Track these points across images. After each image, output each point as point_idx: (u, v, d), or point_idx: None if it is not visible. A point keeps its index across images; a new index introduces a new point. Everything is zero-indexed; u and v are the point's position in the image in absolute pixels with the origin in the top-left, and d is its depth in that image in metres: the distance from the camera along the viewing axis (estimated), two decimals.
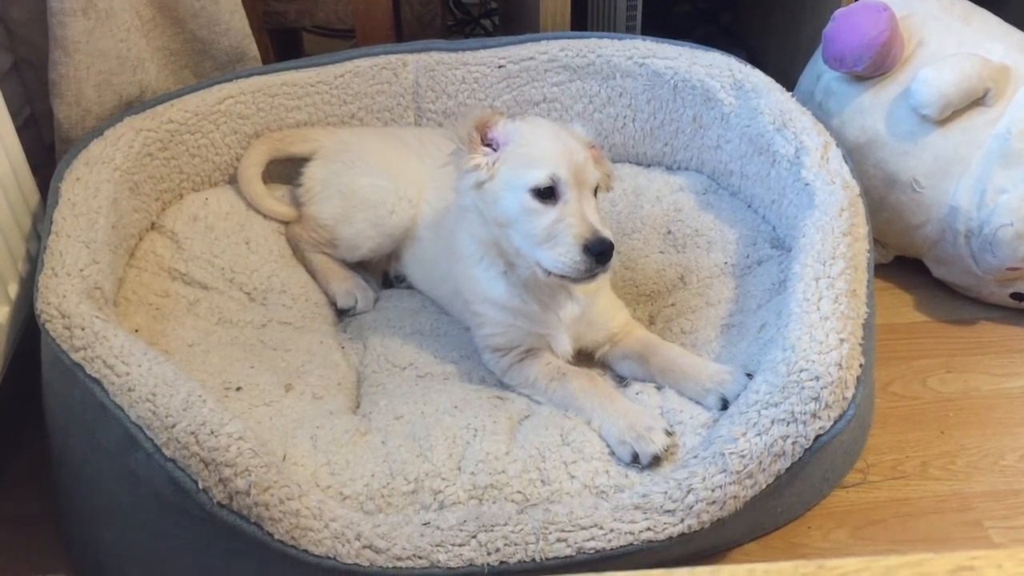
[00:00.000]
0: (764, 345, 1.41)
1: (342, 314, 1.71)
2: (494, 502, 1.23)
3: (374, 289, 1.75)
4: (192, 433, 1.13)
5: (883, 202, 1.83)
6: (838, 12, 1.81)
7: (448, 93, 1.90)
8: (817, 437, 1.23)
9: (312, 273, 1.73)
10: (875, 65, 1.78)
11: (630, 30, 2.20)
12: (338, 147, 1.77)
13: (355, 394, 1.50)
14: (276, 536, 1.12)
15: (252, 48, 1.91)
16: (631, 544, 1.17)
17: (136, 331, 1.45)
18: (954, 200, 1.74)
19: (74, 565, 1.37)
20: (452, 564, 1.14)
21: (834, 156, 1.57)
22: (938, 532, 1.41)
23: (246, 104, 1.80)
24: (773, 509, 1.32)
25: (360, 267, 1.77)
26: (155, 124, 1.67)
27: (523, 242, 1.37)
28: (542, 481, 1.25)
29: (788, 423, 1.23)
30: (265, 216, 1.77)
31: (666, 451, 1.28)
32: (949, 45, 1.78)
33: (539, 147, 1.37)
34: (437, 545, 1.15)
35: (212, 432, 1.14)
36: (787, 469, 1.23)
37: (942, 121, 1.74)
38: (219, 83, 1.79)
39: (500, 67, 1.88)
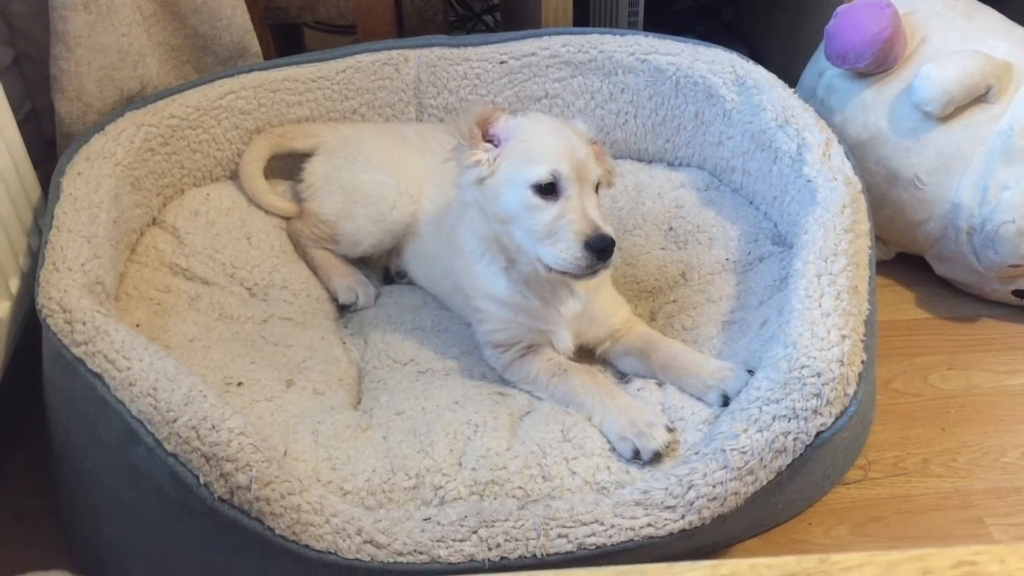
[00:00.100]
0: (765, 341, 1.41)
1: (343, 310, 1.70)
2: (495, 498, 1.22)
3: (375, 285, 1.75)
4: (193, 428, 1.13)
5: (885, 199, 1.83)
6: (840, 8, 1.81)
7: (450, 89, 1.90)
8: (818, 433, 1.23)
9: (313, 269, 1.73)
10: (877, 62, 1.78)
11: (632, 26, 2.20)
12: (339, 143, 1.77)
13: (356, 390, 1.50)
14: (277, 531, 1.12)
15: (253, 43, 1.90)
16: (632, 540, 1.17)
17: (137, 326, 1.45)
18: (956, 197, 1.74)
19: (75, 560, 1.37)
20: (453, 559, 1.14)
21: (836, 153, 1.57)
22: (939, 529, 1.41)
23: (247, 99, 1.79)
24: (774, 505, 1.32)
25: (361, 263, 1.77)
26: (156, 119, 1.67)
27: (524, 238, 1.36)
28: (543, 477, 1.25)
29: (789, 419, 1.22)
30: (266, 212, 1.77)
31: (667, 447, 1.28)
32: (952, 42, 1.78)
33: (540, 143, 1.37)
34: (438, 541, 1.15)
35: (213, 427, 1.14)
36: (788, 465, 1.23)
37: (944, 118, 1.74)
38: (220, 78, 1.79)
39: (502, 63, 1.88)
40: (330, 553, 1.13)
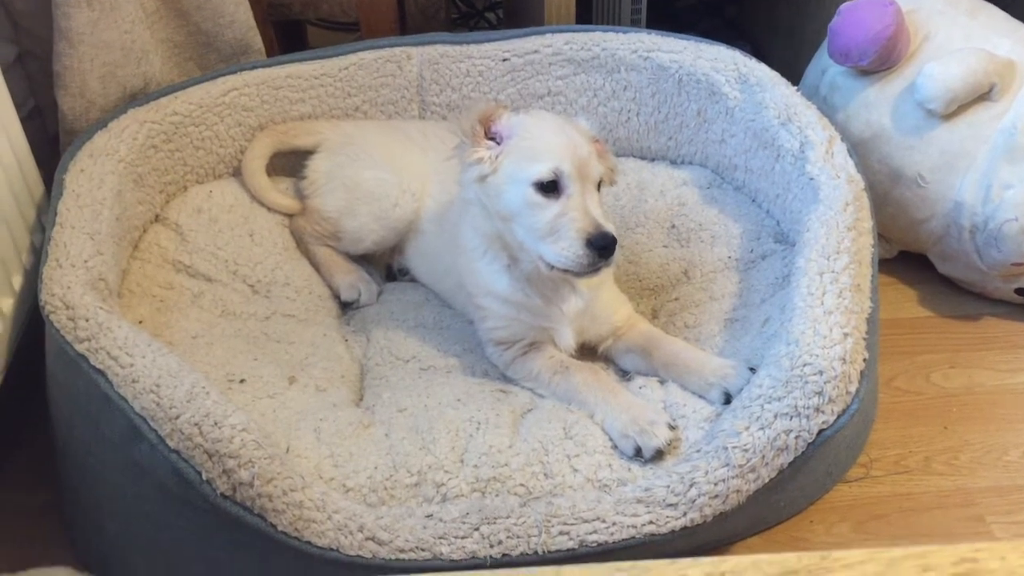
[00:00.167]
0: (768, 339, 1.41)
1: (346, 307, 1.71)
2: (497, 495, 1.23)
3: (377, 282, 1.75)
4: (196, 424, 1.14)
5: (888, 197, 1.82)
6: (844, 6, 1.81)
7: (452, 86, 1.90)
8: (820, 431, 1.23)
9: (316, 266, 1.73)
10: (881, 59, 1.77)
11: (635, 23, 2.20)
12: (342, 140, 1.77)
13: (358, 387, 1.50)
14: (279, 528, 1.13)
15: (256, 40, 1.91)
16: (633, 537, 1.17)
17: (140, 323, 1.45)
18: (959, 195, 1.74)
19: (78, 556, 1.37)
20: (455, 556, 1.15)
21: (839, 150, 1.57)
22: (941, 527, 1.41)
23: (250, 96, 1.79)
24: (776, 503, 1.32)
25: (363, 260, 1.77)
26: (159, 116, 1.67)
27: (526, 236, 1.37)
28: (545, 474, 1.25)
29: (791, 417, 1.22)
30: (269, 209, 1.78)
31: (669, 445, 1.28)
32: (955, 39, 1.77)
33: (542, 141, 1.37)
34: (440, 537, 1.15)
35: (216, 424, 1.14)
36: (790, 463, 1.23)
37: (948, 116, 1.74)
38: (223, 75, 1.79)
39: (504, 60, 1.88)
40: (332, 550, 1.13)
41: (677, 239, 1.75)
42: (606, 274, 1.45)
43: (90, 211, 1.44)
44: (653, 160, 1.93)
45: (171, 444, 1.13)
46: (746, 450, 1.21)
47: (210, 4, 1.81)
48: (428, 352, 1.55)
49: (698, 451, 1.25)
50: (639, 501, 1.19)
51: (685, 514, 1.19)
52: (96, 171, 1.51)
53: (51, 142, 1.74)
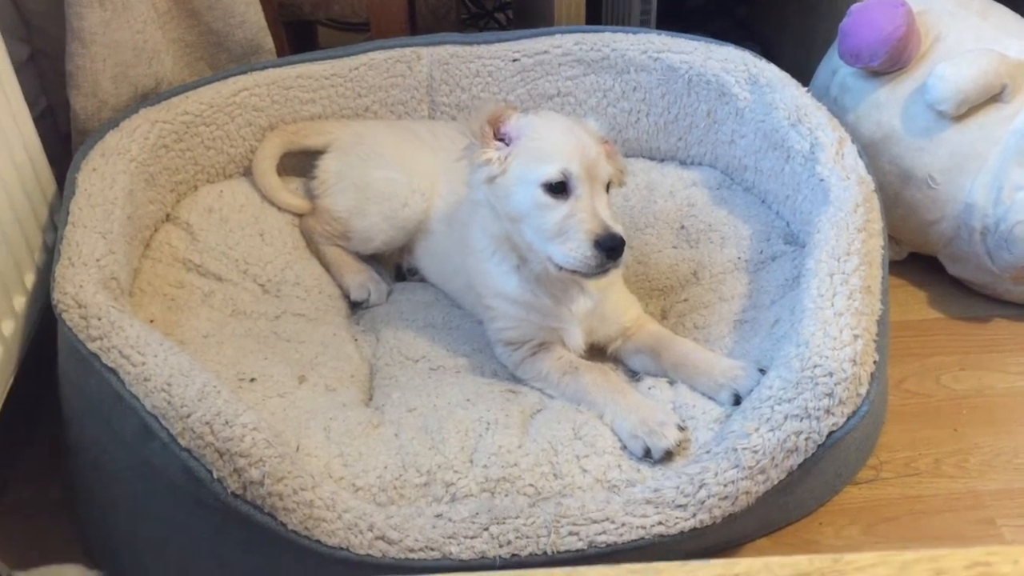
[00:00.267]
0: (777, 341, 1.40)
1: (355, 306, 1.71)
2: (506, 495, 1.23)
3: (387, 282, 1.75)
4: (207, 423, 1.14)
5: (898, 198, 1.82)
6: (854, 7, 1.80)
7: (462, 86, 1.90)
8: (830, 433, 1.23)
9: (326, 265, 1.74)
10: (891, 60, 1.77)
11: (644, 24, 2.19)
12: (352, 140, 1.77)
13: (368, 386, 1.51)
14: (289, 526, 1.13)
15: (267, 40, 1.91)
16: (642, 538, 1.18)
17: (151, 322, 1.46)
18: (970, 197, 1.73)
19: (89, 554, 1.37)
20: (464, 556, 1.15)
21: (849, 152, 1.57)
22: (951, 530, 1.40)
23: (261, 96, 1.80)
24: (785, 505, 1.32)
25: (373, 260, 1.78)
26: (171, 116, 1.68)
27: (534, 237, 1.37)
28: (554, 475, 1.25)
29: (801, 419, 1.22)
30: (279, 208, 1.78)
31: (678, 446, 1.28)
32: (966, 41, 1.77)
33: (551, 142, 1.37)
34: (449, 537, 1.16)
35: (227, 422, 1.15)
36: (800, 465, 1.23)
37: (958, 117, 1.73)
38: (234, 75, 1.80)
39: (514, 61, 1.88)
40: (342, 549, 1.14)
41: (686, 240, 1.75)
42: (615, 275, 1.45)
43: (102, 210, 1.45)
44: (662, 161, 1.93)
45: (182, 443, 1.14)
46: (756, 451, 1.21)
47: (221, 4, 1.82)
48: (437, 352, 1.56)
49: (707, 452, 1.25)
50: (648, 502, 1.19)
51: (694, 515, 1.19)
52: (108, 170, 1.52)
53: (63, 141, 1.75)
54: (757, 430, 1.22)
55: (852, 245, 1.39)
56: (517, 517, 1.17)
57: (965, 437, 1.55)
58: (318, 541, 1.13)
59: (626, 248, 1.32)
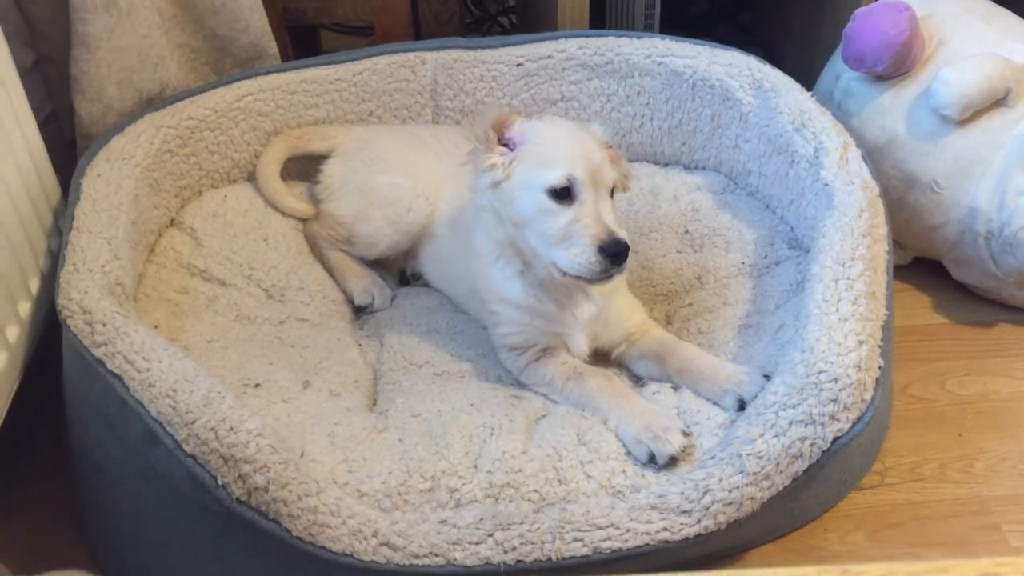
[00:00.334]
0: (782, 346, 1.40)
1: (359, 311, 1.71)
2: (511, 501, 1.23)
3: (391, 287, 1.75)
4: (212, 429, 1.14)
5: (902, 203, 1.82)
6: (858, 11, 1.80)
7: (466, 91, 1.90)
8: (835, 439, 1.23)
9: (330, 270, 1.74)
10: (895, 65, 1.77)
11: (648, 28, 2.20)
12: (356, 145, 1.77)
13: (372, 391, 1.51)
14: (294, 532, 1.13)
15: (271, 45, 1.92)
16: (647, 544, 1.17)
17: (155, 327, 1.46)
18: (974, 201, 1.73)
19: (93, 559, 1.37)
20: (468, 562, 1.15)
21: (853, 156, 1.56)
22: (956, 535, 1.40)
23: (265, 101, 1.80)
24: (790, 511, 1.32)
25: (377, 265, 1.78)
26: (175, 121, 1.68)
27: (539, 242, 1.37)
28: (559, 480, 1.25)
29: (806, 425, 1.22)
30: (283, 213, 1.78)
31: (683, 452, 1.28)
32: (970, 45, 1.77)
33: (556, 147, 1.37)
34: (454, 543, 1.15)
35: (231, 428, 1.14)
36: (804, 471, 1.23)
37: (962, 122, 1.73)
38: (238, 80, 1.80)
39: (518, 65, 1.88)
40: (347, 555, 1.14)
41: (691, 244, 1.75)
42: (619, 280, 1.45)
43: (107, 216, 1.45)
44: (666, 165, 1.93)
45: (187, 449, 1.14)
46: (760, 457, 1.21)
47: (226, 9, 1.82)
48: (442, 357, 1.56)
49: (712, 458, 1.25)
50: (653, 508, 1.19)
51: (699, 521, 1.19)
52: (113, 176, 1.52)
53: (68, 146, 1.75)
54: (762, 436, 1.22)
55: (857, 250, 1.39)
56: (522, 523, 1.17)
57: (970, 442, 1.55)
58: (323, 547, 1.13)
59: (631, 253, 1.32)
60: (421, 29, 2.35)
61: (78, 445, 1.37)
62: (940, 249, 1.85)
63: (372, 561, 1.14)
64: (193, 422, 1.15)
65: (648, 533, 1.17)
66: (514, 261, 1.45)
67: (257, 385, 1.41)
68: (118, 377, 1.21)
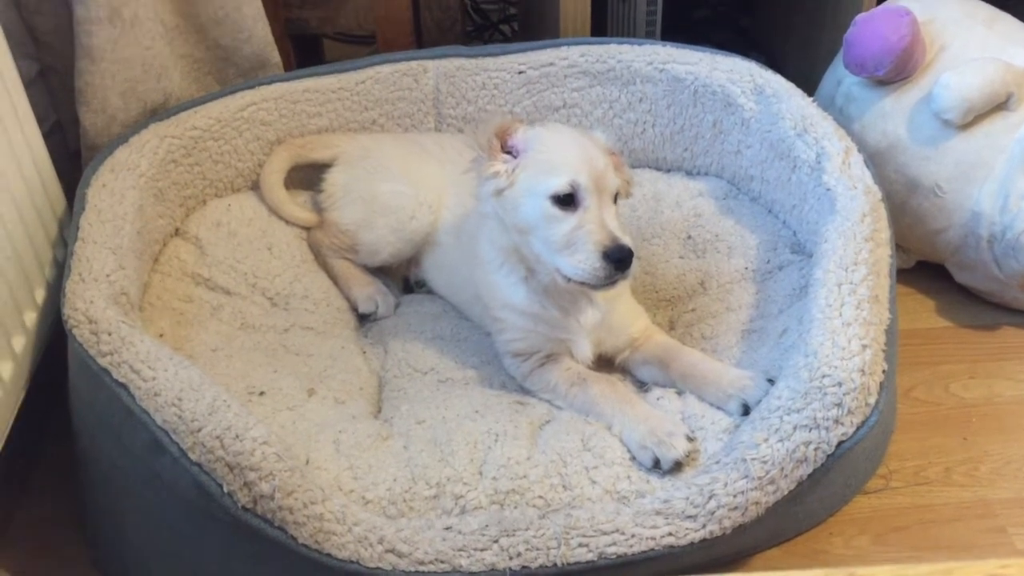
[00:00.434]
0: (786, 351, 1.41)
1: (363, 319, 1.71)
2: (516, 507, 1.23)
3: (395, 294, 1.76)
4: (217, 437, 1.14)
5: (905, 207, 1.82)
6: (859, 16, 1.81)
7: (468, 99, 1.91)
8: (840, 443, 1.23)
9: (333, 278, 1.75)
10: (896, 70, 1.77)
11: (650, 35, 2.20)
12: (359, 153, 1.78)
13: (377, 399, 1.51)
14: (300, 540, 1.13)
15: (274, 55, 1.92)
16: (652, 549, 1.17)
17: (161, 336, 1.47)
18: (977, 205, 1.73)
19: (99, 568, 1.38)
20: (474, 569, 1.15)
21: (855, 161, 1.57)
22: (961, 539, 1.40)
23: (268, 111, 1.81)
24: (795, 515, 1.32)
25: (381, 272, 1.78)
26: (179, 131, 1.69)
27: (543, 249, 1.37)
28: (563, 486, 1.25)
29: (810, 429, 1.22)
30: (287, 222, 1.79)
31: (687, 457, 1.28)
32: (972, 49, 1.77)
33: (559, 154, 1.38)
34: (459, 550, 1.16)
35: (237, 436, 1.15)
36: (809, 475, 1.23)
37: (964, 126, 1.73)
38: (242, 90, 1.81)
39: (520, 73, 1.89)
40: (352, 562, 1.14)
41: (693, 250, 1.75)
42: (623, 286, 1.45)
43: (112, 226, 1.46)
44: (669, 171, 1.93)
45: (193, 457, 1.14)
46: (765, 462, 1.21)
47: (229, 20, 1.83)
48: (446, 364, 1.56)
49: (717, 463, 1.25)
50: (658, 513, 1.19)
51: (704, 526, 1.19)
52: (118, 186, 1.53)
53: (72, 157, 1.76)
54: (766, 440, 1.22)
55: (860, 255, 1.39)
56: (527, 529, 1.17)
57: (975, 445, 1.55)
58: (328, 555, 1.13)
59: (635, 259, 1.32)
60: (423, 37, 2.36)
61: (84, 454, 1.37)
62: (943, 253, 1.85)
63: (378, 568, 1.14)
64: (199, 430, 1.15)
65: (653, 538, 1.18)
66: (518, 267, 1.45)
67: (262, 393, 1.41)
68: (124, 386, 1.21)
